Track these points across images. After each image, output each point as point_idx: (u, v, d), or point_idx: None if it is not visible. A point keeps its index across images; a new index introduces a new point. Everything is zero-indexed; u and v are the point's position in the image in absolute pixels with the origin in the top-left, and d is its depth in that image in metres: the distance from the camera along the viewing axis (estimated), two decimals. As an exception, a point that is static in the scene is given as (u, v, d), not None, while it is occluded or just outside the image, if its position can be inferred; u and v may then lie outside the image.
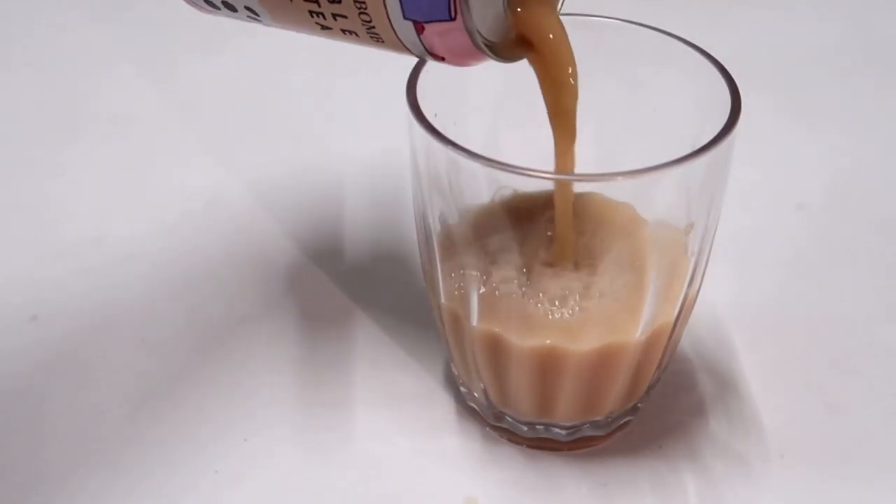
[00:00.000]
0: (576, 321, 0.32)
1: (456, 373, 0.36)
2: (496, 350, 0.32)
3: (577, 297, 0.32)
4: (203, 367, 0.38)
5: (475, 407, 0.36)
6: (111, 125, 0.53)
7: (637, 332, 0.31)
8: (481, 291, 0.32)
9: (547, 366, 0.32)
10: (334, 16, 0.28)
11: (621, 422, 0.35)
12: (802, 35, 0.61)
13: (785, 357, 0.39)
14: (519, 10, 0.29)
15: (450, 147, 0.29)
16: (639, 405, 0.36)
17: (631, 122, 0.34)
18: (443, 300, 0.33)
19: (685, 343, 0.37)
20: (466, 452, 0.35)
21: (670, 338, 0.33)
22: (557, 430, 0.35)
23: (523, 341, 0.32)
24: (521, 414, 0.35)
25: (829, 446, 0.36)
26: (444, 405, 0.37)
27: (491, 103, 0.33)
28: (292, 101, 0.55)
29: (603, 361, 0.32)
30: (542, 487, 0.34)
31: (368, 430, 0.36)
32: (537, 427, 0.35)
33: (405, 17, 0.27)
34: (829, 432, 0.36)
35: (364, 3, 0.27)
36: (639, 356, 0.32)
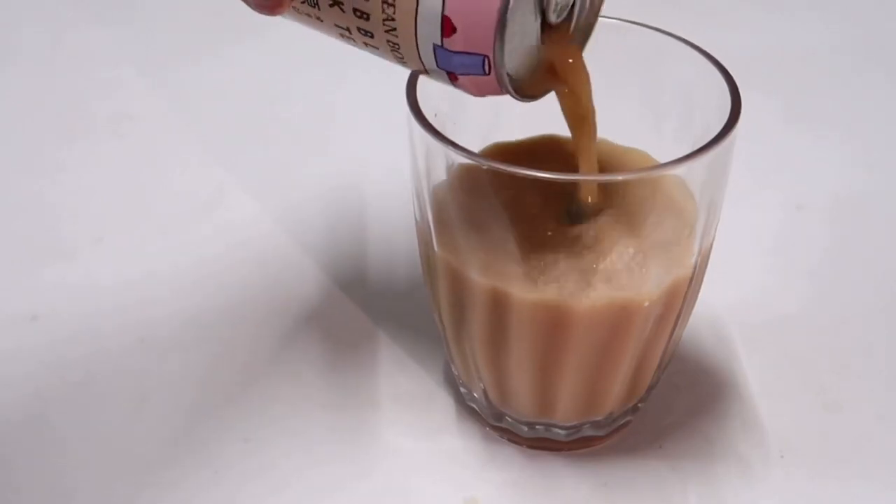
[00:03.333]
0: (583, 274, 0.31)
1: (456, 373, 0.36)
2: (496, 311, 0.31)
3: (586, 253, 0.31)
4: (203, 367, 0.38)
5: (475, 407, 0.36)
6: (111, 125, 0.53)
7: (646, 298, 0.31)
8: (482, 247, 0.31)
9: (551, 330, 0.31)
10: (365, 44, 0.28)
11: (621, 422, 0.35)
12: (803, 35, 0.61)
13: (785, 357, 0.39)
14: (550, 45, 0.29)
15: (450, 147, 0.29)
16: (639, 405, 0.36)
17: (631, 122, 0.34)
18: (436, 249, 0.32)
19: (685, 343, 0.37)
20: (466, 452, 0.35)
21: (677, 321, 0.33)
22: (557, 430, 0.35)
23: (526, 293, 0.31)
24: (520, 412, 0.34)
25: (829, 446, 0.36)
26: (444, 405, 0.37)
27: (491, 103, 0.33)
28: (292, 101, 0.55)
29: (610, 326, 0.31)
30: (542, 487, 0.34)
31: (368, 430, 0.36)
32: (537, 427, 0.35)
33: (439, 67, 0.27)
34: (829, 432, 0.36)
35: (398, 44, 0.27)
36: (647, 330, 0.32)
